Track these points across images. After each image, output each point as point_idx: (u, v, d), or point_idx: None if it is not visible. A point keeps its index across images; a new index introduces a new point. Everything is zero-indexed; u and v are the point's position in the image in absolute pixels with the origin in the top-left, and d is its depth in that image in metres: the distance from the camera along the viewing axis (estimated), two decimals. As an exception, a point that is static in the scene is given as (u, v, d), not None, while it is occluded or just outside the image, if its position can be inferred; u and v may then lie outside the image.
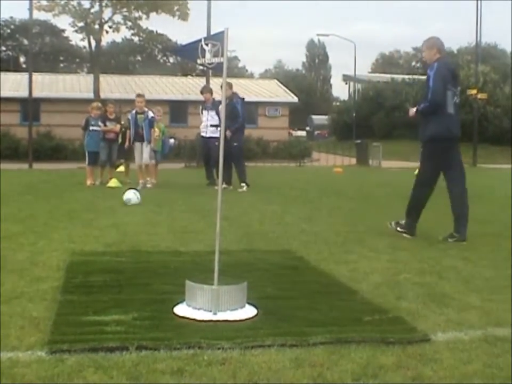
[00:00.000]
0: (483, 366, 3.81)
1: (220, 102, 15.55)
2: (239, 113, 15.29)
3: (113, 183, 15.39)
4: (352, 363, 3.80)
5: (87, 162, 16.66)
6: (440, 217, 10.55)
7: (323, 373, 3.64)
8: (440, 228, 9.00)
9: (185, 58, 7.41)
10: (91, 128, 16.53)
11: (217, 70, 4.90)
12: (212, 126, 15.80)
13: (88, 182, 16.06)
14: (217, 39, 4.88)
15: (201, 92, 16.54)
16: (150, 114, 15.46)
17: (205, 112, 16.17)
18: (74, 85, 40.40)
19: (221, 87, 5.19)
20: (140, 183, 14.99)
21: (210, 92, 16.29)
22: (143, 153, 15.32)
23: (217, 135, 15.77)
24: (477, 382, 3.56)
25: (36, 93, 31.41)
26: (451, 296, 5.41)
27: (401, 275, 6.20)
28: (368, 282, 5.87)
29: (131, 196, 11.59)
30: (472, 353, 4.03)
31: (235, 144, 15.02)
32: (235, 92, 15.63)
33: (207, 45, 4.92)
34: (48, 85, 39.02)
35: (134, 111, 15.59)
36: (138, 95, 15.92)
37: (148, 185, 15.16)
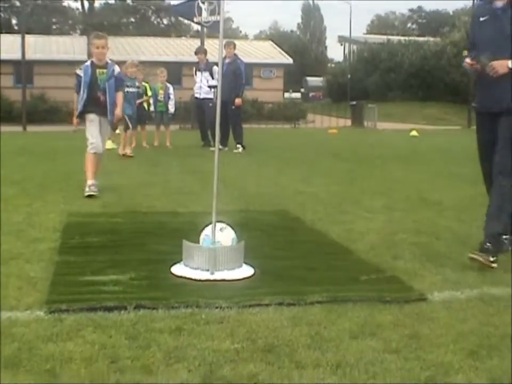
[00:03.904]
0: (479, 324, 3.84)
1: (213, 64, 15.45)
2: (243, 74, 15.19)
3: (108, 144, 15.19)
4: (350, 322, 3.82)
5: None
6: (435, 179, 10.60)
7: (320, 332, 3.66)
8: (436, 189, 9.00)
9: (182, 17, 7.27)
10: (126, 90, 12.99)
11: (213, 28, 4.85)
12: (209, 87, 15.69)
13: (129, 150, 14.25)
14: (213, -3, 4.84)
15: (196, 53, 16.40)
16: (117, 69, 8.86)
17: (198, 73, 16.07)
18: (68, 47, 40.03)
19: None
20: (89, 185, 8.49)
21: (205, 52, 16.15)
22: (102, 133, 8.76)
23: (211, 96, 15.70)
24: (472, 340, 3.58)
25: (29, 55, 31.16)
26: (447, 256, 5.43)
27: (397, 235, 6.21)
28: (364, 243, 5.89)
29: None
30: (468, 312, 4.05)
31: (233, 107, 14.93)
32: (235, 53, 15.44)
33: (203, 3, 4.87)
34: (41, 47, 38.66)
35: (88, 63, 8.76)
36: (97, 36, 8.81)
37: (94, 191, 8.43)
